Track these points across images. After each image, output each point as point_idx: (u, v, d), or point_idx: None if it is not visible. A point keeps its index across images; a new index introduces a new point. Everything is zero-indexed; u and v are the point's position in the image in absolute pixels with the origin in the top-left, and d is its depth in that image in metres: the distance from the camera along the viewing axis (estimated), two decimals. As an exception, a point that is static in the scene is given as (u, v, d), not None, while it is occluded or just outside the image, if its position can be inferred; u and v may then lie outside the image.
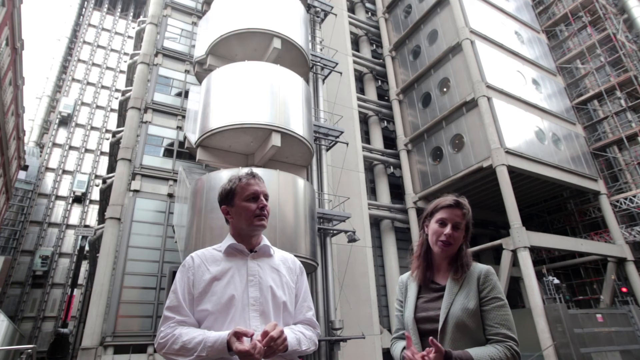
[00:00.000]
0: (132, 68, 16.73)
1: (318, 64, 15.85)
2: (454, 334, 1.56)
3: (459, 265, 1.71)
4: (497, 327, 1.54)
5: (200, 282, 1.63)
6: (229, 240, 1.77)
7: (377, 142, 20.13)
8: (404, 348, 1.71)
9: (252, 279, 1.67)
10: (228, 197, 1.78)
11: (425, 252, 1.82)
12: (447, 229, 1.70)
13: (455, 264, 1.74)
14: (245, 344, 1.40)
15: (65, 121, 29.73)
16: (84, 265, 22.65)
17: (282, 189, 10.11)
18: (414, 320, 1.71)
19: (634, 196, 17.76)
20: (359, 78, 21.89)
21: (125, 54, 33.58)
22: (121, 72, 32.85)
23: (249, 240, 1.76)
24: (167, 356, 1.52)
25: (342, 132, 14.74)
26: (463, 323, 1.56)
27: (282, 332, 1.48)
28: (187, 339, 1.48)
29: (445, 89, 17.76)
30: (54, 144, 29.00)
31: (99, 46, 33.74)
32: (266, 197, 1.80)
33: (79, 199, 27.98)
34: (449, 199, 1.78)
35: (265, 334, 1.44)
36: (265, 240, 1.82)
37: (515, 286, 18.37)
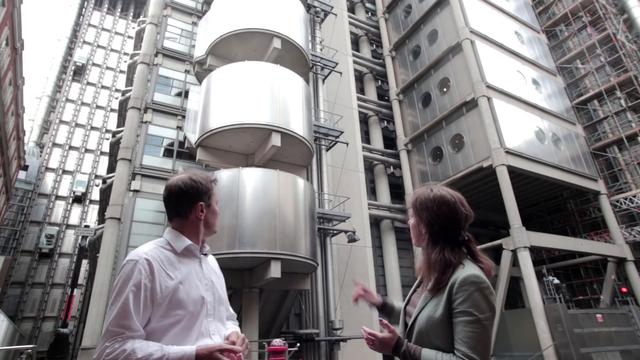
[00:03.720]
0: (132, 68, 16.74)
1: (318, 64, 15.85)
2: (416, 339, 1.53)
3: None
4: (458, 344, 1.41)
5: (162, 290, 1.42)
6: (181, 238, 1.58)
7: (377, 142, 20.14)
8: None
9: (206, 283, 1.59)
10: (207, 195, 1.65)
11: None
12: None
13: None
14: None
15: (65, 119, 29.75)
16: (84, 265, 22.65)
17: (282, 189, 10.10)
18: (403, 312, 1.75)
19: (634, 196, 17.76)
20: (359, 78, 21.89)
21: (125, 54, 33.57)
22: (121, 72, 32.85)
23: (200, 242, 1.66)
24: None
25: (342, 132, 14.75)
26: (426, 332, 1.50)
27: (243, 338, 1.54)
28: (143, 355, 1.28)
29: (445, 89, 17.76)
30: (54, 144, 29.00)
31: (99, 46, 33.74)
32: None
33: (79, 199, 27.98)
34: None
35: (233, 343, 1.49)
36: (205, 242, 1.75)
37: (515, 286, 18.36)
